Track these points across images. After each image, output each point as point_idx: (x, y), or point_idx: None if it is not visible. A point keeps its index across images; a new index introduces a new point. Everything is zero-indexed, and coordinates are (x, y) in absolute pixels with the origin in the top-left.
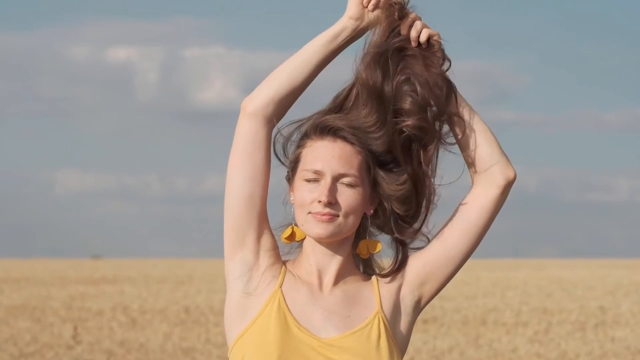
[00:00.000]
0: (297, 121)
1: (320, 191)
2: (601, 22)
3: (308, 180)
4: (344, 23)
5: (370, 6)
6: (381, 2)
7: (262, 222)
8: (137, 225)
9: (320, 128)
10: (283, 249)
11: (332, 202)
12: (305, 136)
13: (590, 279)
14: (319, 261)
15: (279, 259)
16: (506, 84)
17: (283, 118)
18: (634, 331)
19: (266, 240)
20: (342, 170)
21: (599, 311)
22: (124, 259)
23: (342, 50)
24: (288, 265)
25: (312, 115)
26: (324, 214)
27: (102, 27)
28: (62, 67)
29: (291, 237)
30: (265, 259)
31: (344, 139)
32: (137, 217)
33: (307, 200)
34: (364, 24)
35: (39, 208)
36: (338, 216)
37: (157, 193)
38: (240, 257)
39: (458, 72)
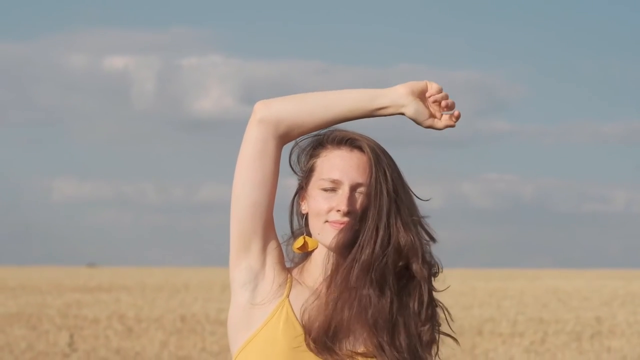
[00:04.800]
0: (315, 135)
1: (339, 200)
2: (599, 33)
3: (325, 190)
4: (385, 92)
5: (444, 103)
6: (447, 104)
7: (268, 230)
8: (133, 234)
9: (338, 138)
10: (287, 256)
11: (351, 212)
12: (320, 146)
13: (587, 289)
14: (329, 271)
15: (285, 267)
16: (502, 94)
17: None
18: (630, 341)
19: (272, 249)
20: (360, 180)
21: (595, 321)
22: (120, 267)
23: (368, 116)
24: (294, 273)
25: (330, 129)
26: (342, 223)
27: (99, 36)
28: (59, 76)
29: (303, 247)
30: (271, 267)
31: (361, 149)
32: (133, 226)
33: (323, 209)
34: (402, 109)
35: (35, 216)
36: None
37: (153, 201)
38: (245, 265)
39: (455, 82)
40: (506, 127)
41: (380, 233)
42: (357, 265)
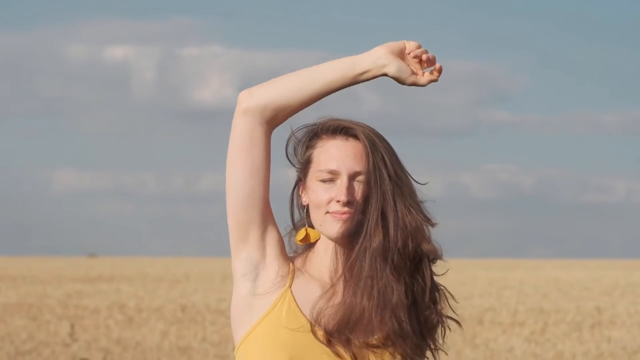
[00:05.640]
0: (311, 125)
1: (338, 190)
2: (599, 23)
3: (323, 181)
4: (365, 55)
5: (425, 57)
6: (428, 58)
7: (265, 218)
8: (134, 224)
9: (333, 128)
10: (290, 247)
11: (351, 201)
12: (316, 136)
13: (587, 279)
14: (333, 261)
15: (287, 257)
16: (503, 84)
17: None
18: (630, 331)
19: (271, 237)
20: (357, 169)
21: (595, 311)
22: (120, 258)
23: (351, 84)
24: (297, 263)
25: (325, 119)
26: (343, 213)
27: (99, 26)
28: (59, 66)
29: (305, 239)
30: (272, 257)
31: (356, 137)
32: (134, 216)
33: (324, 200)
34: (384, 69)
35: (35, 206)
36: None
37: (153, 192)
38: (245, 255)
39: (456, 73)
40: (507, 117)
41: (391, 217)
42: (368, 253)
